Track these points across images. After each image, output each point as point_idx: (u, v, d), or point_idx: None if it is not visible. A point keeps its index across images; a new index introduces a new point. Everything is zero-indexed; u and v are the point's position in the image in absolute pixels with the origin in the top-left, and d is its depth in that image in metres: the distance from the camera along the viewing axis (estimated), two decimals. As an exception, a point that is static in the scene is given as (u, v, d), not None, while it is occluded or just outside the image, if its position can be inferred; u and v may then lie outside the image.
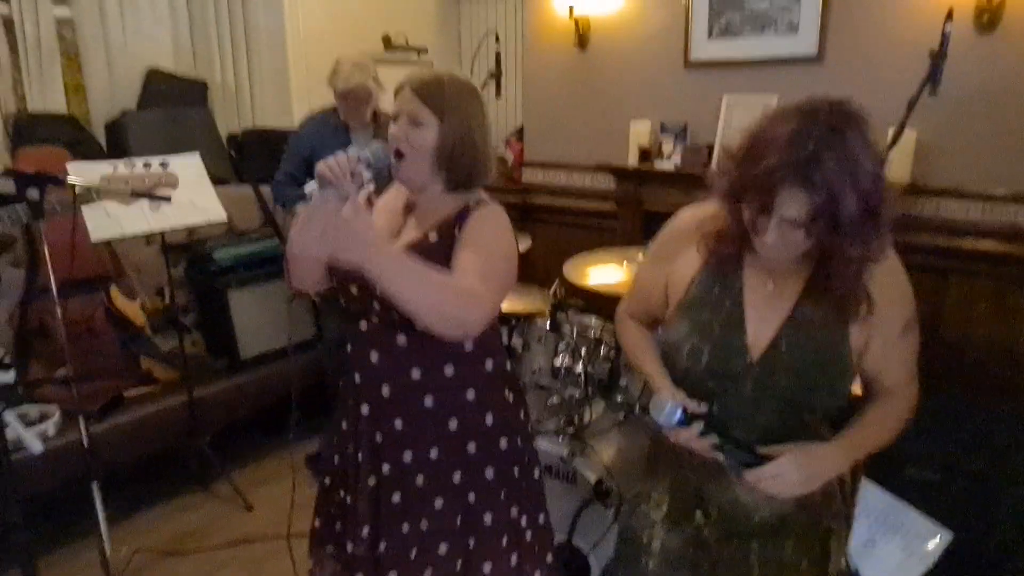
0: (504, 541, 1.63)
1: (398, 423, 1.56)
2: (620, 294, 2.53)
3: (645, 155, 3.67)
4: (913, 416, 1.36)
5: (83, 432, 1.93)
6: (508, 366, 1.67)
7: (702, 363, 1.29)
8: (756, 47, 3.33)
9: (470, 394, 1.57)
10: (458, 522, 1.59)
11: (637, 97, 3.74)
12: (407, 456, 1.57)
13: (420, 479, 1.57)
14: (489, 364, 1.59)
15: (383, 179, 1.58)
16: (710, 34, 3.46)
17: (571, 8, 3.77)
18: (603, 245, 3.04)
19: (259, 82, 4.22)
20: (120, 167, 2.18)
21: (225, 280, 3.30)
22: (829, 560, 1.38)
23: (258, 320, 3.36)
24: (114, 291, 3.10)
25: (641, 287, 1.49)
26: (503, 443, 1.61)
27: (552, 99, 4.14)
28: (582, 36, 3.88)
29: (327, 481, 1.75)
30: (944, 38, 1.77)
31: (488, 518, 1.60)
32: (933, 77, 1.82)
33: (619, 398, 2.43)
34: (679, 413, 1.25)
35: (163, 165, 2.09)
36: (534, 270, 3.85)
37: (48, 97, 3.45)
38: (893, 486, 2.45)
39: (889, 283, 1.24)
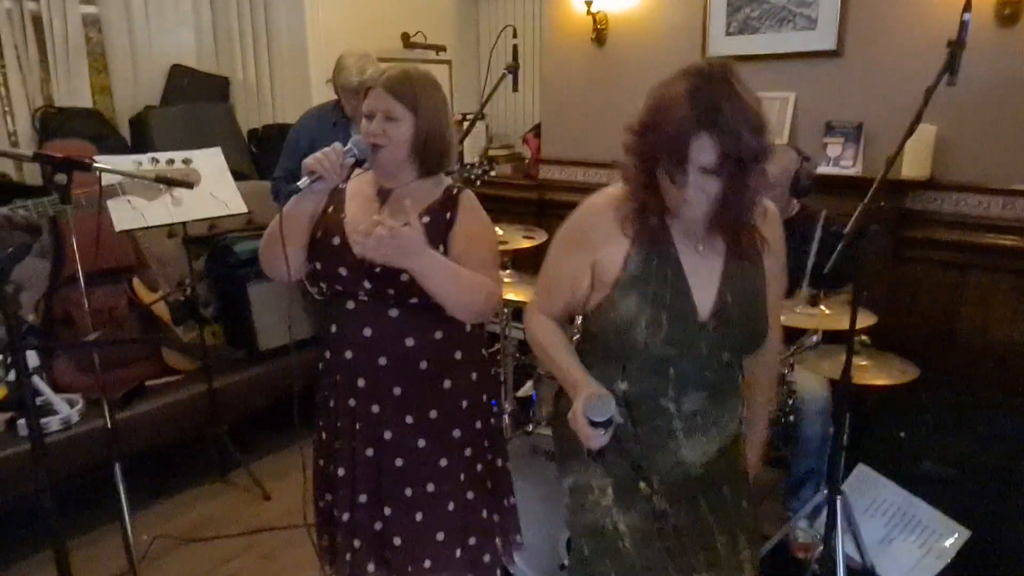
0: (489, 484, 1.81)
1: (396, 390, 1.66)
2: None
3: (662, 151, 3.67)
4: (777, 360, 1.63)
5: (106, 414, 1.97)
6: (479, 328, 1.81)
7: (662, 332, 1.34)
8: (774, 42, 3.33)
9: (458, 354, 1.70)
10: (461, 477, 1.72)
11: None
12: (409, 419, 1.67)
13: (422, 442, 1.68)
14: (468, 325, 1.72)
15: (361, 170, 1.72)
16: (728, 30, 3.46)
17: (589, 4, 3.79)
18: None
19: (280, 79, 4.28)
20: (145, 163, 2.24)
21: (244, 273, 3.34)
22: (751, 498, 1.55)
23: (276, 313, 3.40)
24: (136, 282, 3.16)
25: (560, 280, 1.46)
26: (484, 398, 1.78)
27: (569, 95, 4.15)
28: (600, 32, 3.89)
29: (321, 462, 1.82)
30: (963, 26, 1.76)
31: (479, 467, 1.77)
32: (951, 66, 1.81)
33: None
34: (610, 415, 1.29)
35: (186, 162, 2.14)
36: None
37: (75, 93, 3.52)
38: (910, 482, 2.44)
39: (776, 222, 1.44)
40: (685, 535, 1.45)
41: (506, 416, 2.85)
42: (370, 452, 1.68)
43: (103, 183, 2.21)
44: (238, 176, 3.31)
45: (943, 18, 2.80)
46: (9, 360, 1.68)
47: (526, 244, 3.00)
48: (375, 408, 1.67)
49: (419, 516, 1.69)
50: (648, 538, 1.45)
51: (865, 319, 2.22)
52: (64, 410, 2.74)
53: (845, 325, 1.99)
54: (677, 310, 1.34)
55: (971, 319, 2.98)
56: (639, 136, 1.27)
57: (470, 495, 1.75)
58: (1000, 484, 2.41)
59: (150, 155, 2.64)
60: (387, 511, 1.68)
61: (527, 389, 3.07)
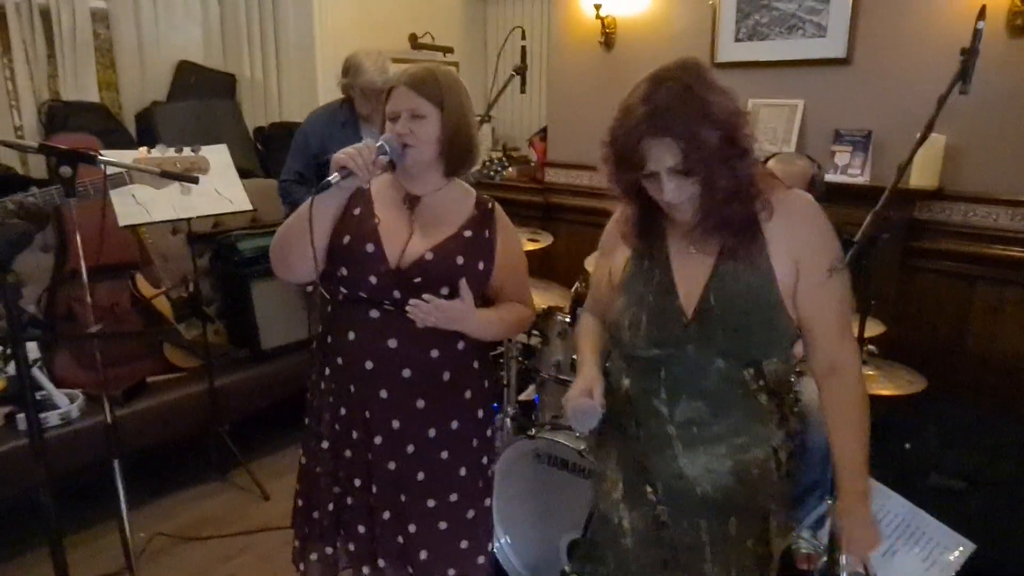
0: (489, 502, 1.81)
1: (420, 403, 1.62)
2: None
3: (669, 156, 3.65)
4: (865, 387, 1.38)
5: (106, 410, 1.95)
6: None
7: (641, 331, 1.35)
8: (784, 49, 3.32)
9: (476, 364, 1.71)
10: (480, 485, 1.73)
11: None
12: (432, 432, 1.64)
13: (445, 454, 1.66)
14: (500, 339, 1.84)
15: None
16: (737, 36, 3.45)
17: (598, 7, 3.78)
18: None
19: (287, 77, 4.27)
20: (154, 151, 2.22)
21: (249, 271, 3.33)
22: (769, 543, 1.42)
23: (280, 312, 3.39)
24: (139, 278, 3.15)
25: (595, 281, 1.58)
26: (495, 405, 1.87)
27: (576, 99, 4.14)
28: (608, 36, 3.88)
29: (318, 469, 1.75)
30: (976, 34, 1.75)
31: (489, 473, 1.80)
32: (964, 74, 1.79)
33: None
34: (595, 422, 1.38)
35: (194, 151, 2.12)
36: (555, 268, 3.85)
37: (81, 88, 3.51)
38: (916, 494, 2.41)
39: (804, 222, 1.32)
40: (680, 553, 1.43)
41: (508, 420, 2.84)
42: (391, 465, 1.64)
43: (110, 172, 2.20)
44: (244, 174, 3.31)
45: (953, 27, 2.79)
46: (9, 351, 1.66)
47: (531, 247, 2.99)
48: (396, 423, 1.62)
49: (443, 525, 1.68)
50: (647, 542, 1.45)
51: (873, 328, 2.21)
52: (63, 404, 2.73)
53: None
54: (659, 310, 1.34)
55: (979, 330, 2.96)
56: (609, 145, 1.29)
57: (487, 502, 1.78)
58: (1007, 497, 2.39)
59: (158, 149, 2.64)
60: (412, 528, 1.65)
61: (529, 393, 3.06)
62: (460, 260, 1.59)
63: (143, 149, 2.11)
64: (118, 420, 2.68)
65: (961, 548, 2.31)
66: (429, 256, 1.57)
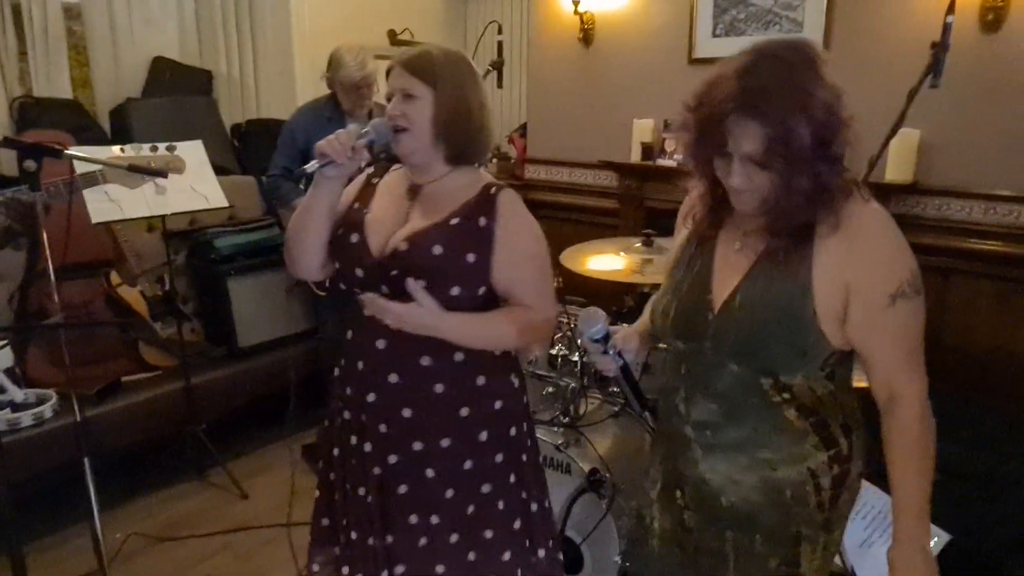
0: (517, 525, 1.60)
1: (407, 412, 1.51)
2: (618, 282, 2.57)
3: (648, 152, 3.67)
4: (928, 423, 1.25)
5: (75, 408, 1.92)
6: (514, 352, 1.63)
7: (670, 319, 1.29)
8: (761, 45, 3.33)
9: (480, 380, 1.53)
10: (470, 511, 1.55)
11: (641, 94, 3.74)
12: (417, 446, 1.52)
13: (430, 471, 1.53)
14: (497, 351, 1.56)
15: (383, 160, 1.60)
16: (715, 32, 3.46)
17: (576, 4, 3.78)
18: (604, 239, 3.04)
19: (264, 73, 4.24)
20: (128, 150, 2.19)
21: (225, 268, 3.30)
22: (800, 566, 1.31)
23: (257, 309, 3.36)
24: (114, 276, 3.11)
25: (670, 256, 1.47)
26: (512, 431, 1.58)
27: (556, 95, 4.14)
28: (587, 32, 3.89)
29: (332, 476, 1.68)
30: (946, 28, 1.76)
31: (501, 504, 1.58)
32: (935, 68, 1.81)
33: (615, 389, 2.42)
34: (602, 332, 1.31)
35: (170, 149, 2.09)
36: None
37: (54, 84, 3.46)
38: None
39: (870, 241, 1.17)
40: (703, 558, 1.38)
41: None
42: (377, 471, 1.55)
43: (83, 171, 2.17)
44: (220, 171, 3.27)
45: (927, 22, 2.81)
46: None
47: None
48: (383, 427, 1.53)
49: (423, 542, 1.55)
50: (671, 545, 1.42)
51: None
52: (18, 397, 2.64)
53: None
54: (689, 301, 1.28)
55: (954, 323, 2.99)
56: (691, 111, 1.16)
57: (488, 534, 1.57)
58: (981, 488, 2.41)
59: (133, 144, 2.61)
60: (390, 539, 1.55)
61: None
62: (438, 250, 1.43)
63: (116, 149, 2.09)
64: (92, 419, 2.67)
65: (936, 539, 2.33)
66: (403, 246, 1.44)
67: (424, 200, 1.52)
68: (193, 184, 2.84)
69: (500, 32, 3.00)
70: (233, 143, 4.06)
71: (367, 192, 1.59)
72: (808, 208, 1.14)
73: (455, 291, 1.45)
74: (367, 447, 1.55)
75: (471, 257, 1.44)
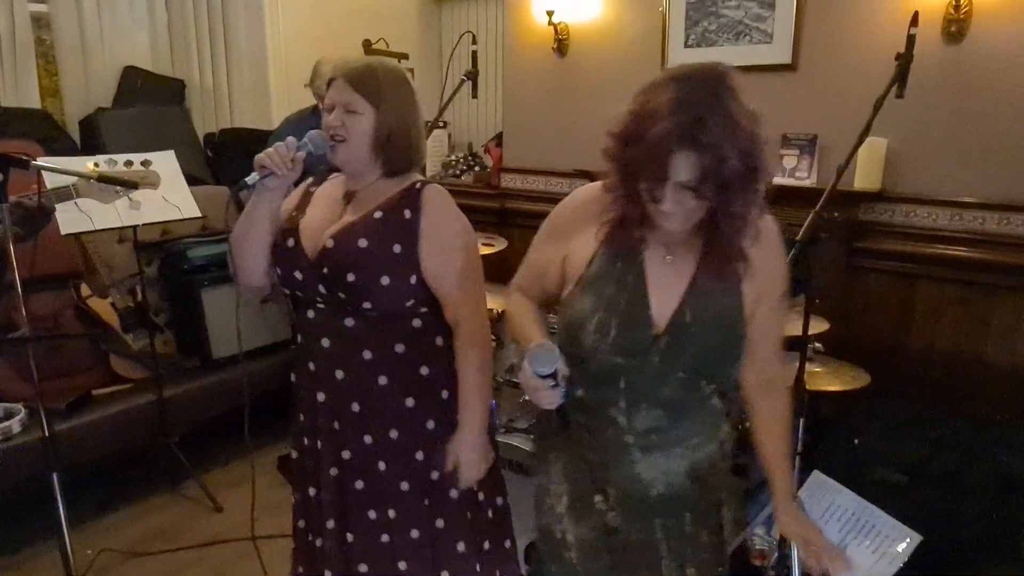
0: (468, 516, 1.64)
1: (355, 406, 1.56)
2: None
3: (622, 161, 3.69)
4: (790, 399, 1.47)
5: (43, 421, 1.89)
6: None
7: (610, 337, 1.29)
8: (732, 55, 3.38)
9: (424, 370, 1.58)
10: (425, 503, 1.59)
11: (615, 104, 3.73)
12: (367, 439, 1.57)
13: (382, 464, 1.57)
14: (439, 340, 1.60)
15: (321, 170, 1.66)
16: (687, 42, 3.51)
17: (550, 14, 3.81)
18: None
19: (238, 83, 4.21)
20: (102, 164, 2.14)
21: (199, 279, 3.27)
22: (723, 531, 1.46)
23: (231, 320, 3.31)
24: (84, 288, 3.06)
25: (537, 264, 1.46)
26: (447, 424, 1.61)
27: (531, 105, 4.17)
28: (562, 43, 3.92)
29: (301, 481, 1.73)
30: (910, 40, 1.81)
31: (453, 494, 1.61)
32: (900, 79, 1.85)
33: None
34: (552, 369, 1.25)
35: (145, 164, 2.05)
36: (510, 273, 3.86)
37: (22, 93, 3.42)
38: (864, 488, 2.46)
39: (773, 249, 1.32)
40: (633, 553, 1.41)
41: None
42: (334, 472, 1.59)
43: (55, 185, 2.12)
44: (193, 181, 3.25)
45: (891, 34, 2.88)
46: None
47: (486, 251, 2.99)
48: (336, 425, 1.58)
49: (385, 538, 1.59)
50: (594, 552, 1.43)
51: (817, 326, 2.26)
52: None
53: (798, 331, 2.02)
54: (629, 317, 1.29)
55: (921, 328, 3.05)
56: (621, 144, 1.20)
57: (440, 523, 1.62)
58: (950, 489, 2.46)
59: (107, 156, 2.57)
60: (350, 537, 1.59)
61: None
62: (363, 243, 1.49)
63: (90, 163, 2.06)
64: (61, 434, 2.62)
65: (908, 539, 2.36)
66: (330, 243, 1.51)
67: (356, 203, 1.58)
68: (165, 194, 2.81)
69: (475, 42, 3.02)
70: (206, 153, 4.02)
71: (304, 200, 1.65)
72: (744, 230, 1.22)
73: (385, 280, 1.50)
74: (319, 444, 1.60)
75: (397, 248, 1.50)
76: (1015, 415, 2.78)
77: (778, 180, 3.04)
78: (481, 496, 1.68)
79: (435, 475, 1.59)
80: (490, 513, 1.71)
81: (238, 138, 4.06)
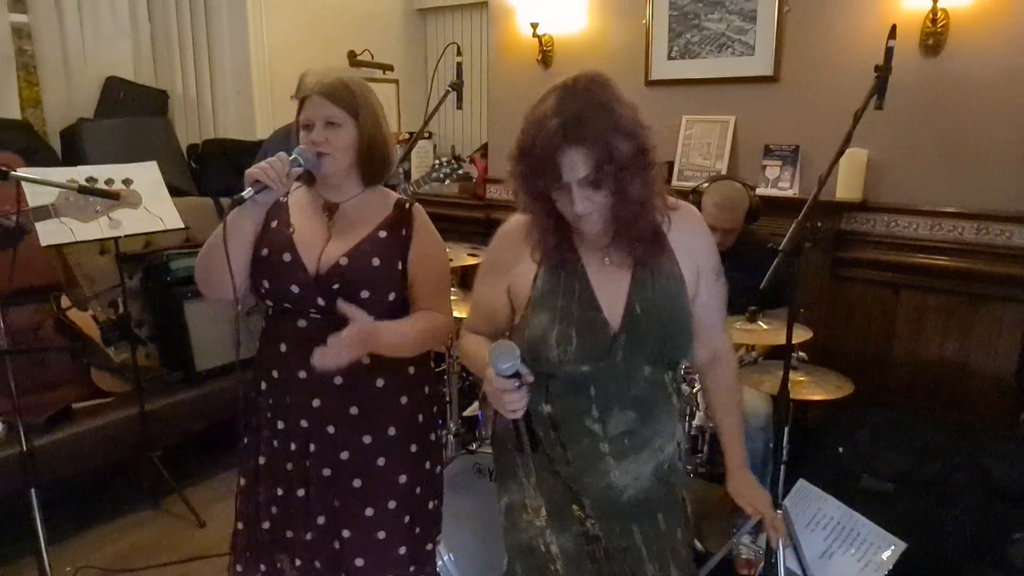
0: (418, 492, 1.76)
1: (353, 410, 1.62)
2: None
3: (607, 171, 3.72)
4: (736, 368, 1.56)
5: (22, 436, 1.86)
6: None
7: (573, 344, 1.31)
8: (714, 67, 3.41)
9: (411, 369, 1.69)
10: (418, 491, 1.72)
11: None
12: (367, 439, 1.63)
13: (382, 460, 1.65)
14: (409, 353, 1.68)
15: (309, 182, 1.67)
16: (670, 54, 3.54)
17: (535, 26, 3.83)
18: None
19: (222, 94, 4.19)
20: (81, 180, 2.11)
21: (182, 291, 3.24)
22: (690, 527, 1.52)
23: (214, 332, 3.30)
24: (65, 301, 3.02)
25: (483, 303, 1.49)
26: (435, 409, 1.79)
27: (516, 116, 4.09)
28: (546, 54, 3.94)
29: (242, 482, 1.76)
30: (888, 52, 1.84)
31: (438, 471, 1.80)
32: (878, 91, 1.88)
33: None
34: (515, 368, 1.25)
35: (126, 182, 2.01)
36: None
37: (2, 104, 3.38)
38: (849, 496, 2.48)
39: (695, 226, 1.41)
40: (615, 560, 1.42)
41: (451, 436, 2.82)
42: (327, 472, 1.64)
43: (35, 204, 2.10)
44: (176, 192, 3.22)
45: (870, 46, 2.91)
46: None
47: (471, 261, 2.99)
48: (331, 428, 1.63)
49: (382, 535, 1.66)
50: (578, 561, 1.43)
51: (801, 335, 2.27)
52: None
53: (782, 340, 2.02)
54: (586, 323, 1.32)
55: (904, 336, 3.07)
56: (518, 160, 1.27)
57: (431, 505, 1.78)
58: (934, 497, 2.47)
59: (87, 173, 2.54)
60: (346, 533, 1.64)
61: (473, 409, 3.04)
62: (376, 262, 1.58)
63: (70, 175, 2.04)
64: (41, 448, 2.58)
65: (893, 547, 2.38)
66: (344, 261, 1.56)
67: (343, 217, 1.63)
68: (148, 206, 2.80)
69: (459, 53, 3.03)
70: (189, 164, 3.99)
71: (279, 211, 1.66)
72: (646, 211, 1.29)
73: (392, 296, 1.62)
74: (312, 447, 1.63)
75: (400, 264, 1.61)
76: (997, 423, 2.81)
77: (761, 190, 3.07)
78: (437, 469, 1.82)
79: (427, 464, 1.74)
80: (437, 482, 1.84)
81: (222, 149, 4.03)
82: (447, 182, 2.75)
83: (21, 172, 1.61)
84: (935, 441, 2.60)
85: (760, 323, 2.38)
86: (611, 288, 1.34)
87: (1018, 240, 2.81)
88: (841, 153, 1.92)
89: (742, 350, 2.62)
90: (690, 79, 3.47)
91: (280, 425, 1.67)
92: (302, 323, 1.60)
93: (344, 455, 1.63)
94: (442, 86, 3.18)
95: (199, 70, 4.09)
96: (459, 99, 2.97)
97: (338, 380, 1.59)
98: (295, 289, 1.57)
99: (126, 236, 2.79)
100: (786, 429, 2.13)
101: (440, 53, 3.97)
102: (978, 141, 2.84)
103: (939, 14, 2.78)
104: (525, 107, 1.32)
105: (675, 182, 3.44)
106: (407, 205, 1.66)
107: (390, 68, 4.95)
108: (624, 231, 1.30)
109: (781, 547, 2.16)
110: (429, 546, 1.80)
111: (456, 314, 2.69)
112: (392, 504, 1.67)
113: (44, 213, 1.90)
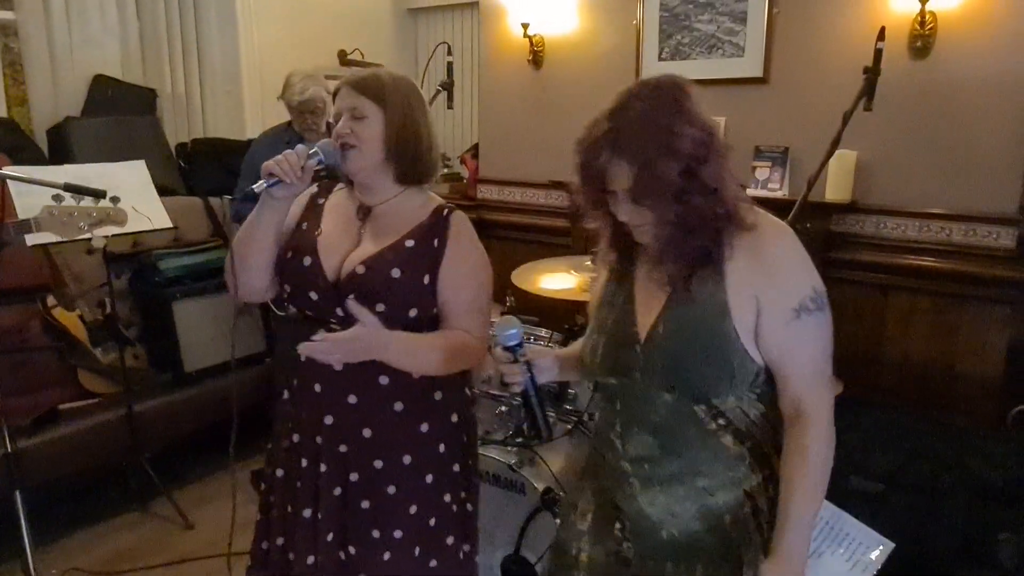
0: (458, 528, 1.65)
1: (366, 432, 1.52)
2: (570, 301, 2.58)
3: (598, 172, 3.72)
4: (830, 444, 1.26)
5: (7, 438, 1.84)
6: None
7: (598, 356, 1.31)
8: (704, 68, 3.41)
9: (437, 395, 1.56)
10: (432, 522, 1.58)
11: (590, 116, 3.77)
12: (378, 464, 1.53)
13: (392, 488, 1.54)
14: (429, 372, 1.55)
15: (323, 178, 1.60)
16: (660, 55, 3.54)
17: (525, 27, 3.83)
18: (555, 259, 3.06)
19: (211, 93, 4.17)
20: (68, 199, 2.06)
21: (171, 291, 3.22)
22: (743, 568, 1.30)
23: (204, 333, 3.28)
24: (51, 301, 2.99)
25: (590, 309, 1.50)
26: (465, 438, 1.64)
27: (507, 117, 4.17)
28: (537, 55, 3.93)
29: (271, 498, 1.68)
30: (877, 54, 1.84)
31: (455, 508, 1.62)
32: (867, 92, 1.89)
33: (568, 407, 2.43)
34: (515, 339, 1.31)
35: (114, 200, 1.95)
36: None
37: (-12, 103, 3.35)
38: (838, 497, 2.48)
39: (770, 258, 1.22)
40: None
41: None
42: (337, 491, 1.55)
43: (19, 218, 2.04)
44: (165, 191, 3.20)
45: (859, 48, 2.92)
46: None
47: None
48: (343, 448, 1.53)
49: (387, 556, 1.56)
50: None
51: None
52: None
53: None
54: (615, 335, 1.30)
55: (893, 337, 3.08)
56: (576, 155, 1.22)
57: (450, 540, 1.61)
58: (923, 498, 2.48)
59: (73, 174, 2.50)
60: (352, 550, 1.55)
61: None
62: (396, 273, 1.45)
63: (55, 195, 2.02)
64: (26, 450, 2.56)
65: (881, 547, 2.38)
66: (361, 269, 1.46)
67: (375, 221, 1.53)
68: (136, 205, 2.76)
69: (450, 53, 3.03)
70: (178, 163, 3.97)
71: (313, 213, 1.59)
72: (693, 237, 1.19)
73: (413, 313, 1.48)
74: (323, 467, 1.54)
75: (427, 279, 1.47)
76: (985, 423, 2.83)
77: (751, 191, 3.08)
78: (468, 505, 1.68)
79: (447, 497, 1.60)
80: (468, 518, 1.71)
81: (211, 148, 4.01)
82: (431, 192, 2.74)
83: (7, 171, 1.59)
84: (924, 442, 2.61)
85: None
86: (649, 303, 1.29)
87: (1005, 241, 2.83)
88: (830, 154, 1.93)
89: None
90: (681, 80, 3.48)
91: (295, 438, 1.60)
92: (322, 334, 1.46)
93: (354, 476, 1.54)
94: (433, 86, 3.18)
95: (188, 68, 4.06)
96: (450, 99, 2.97)
97: (352, 399, 1.50)
98: (313, 296, 1.49)
99: (114, 236, 2.76)
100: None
101: (431, 53, 3.97)
102: (966, 143, 2.85)
103: (927, 17, 2.79)
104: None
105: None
106: (445, 212, 1.52)
107: (381, 67, 4.93)
108: (664, 250, 1.22)
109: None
110: None
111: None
112: (398, 534, 1.55)
113: (25, 227, 1.87)
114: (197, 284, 3.30)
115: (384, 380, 1.49)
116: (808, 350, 1.25)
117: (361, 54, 4.78)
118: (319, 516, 1.55)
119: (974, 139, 2.83)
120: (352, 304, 1.38)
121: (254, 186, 1.43)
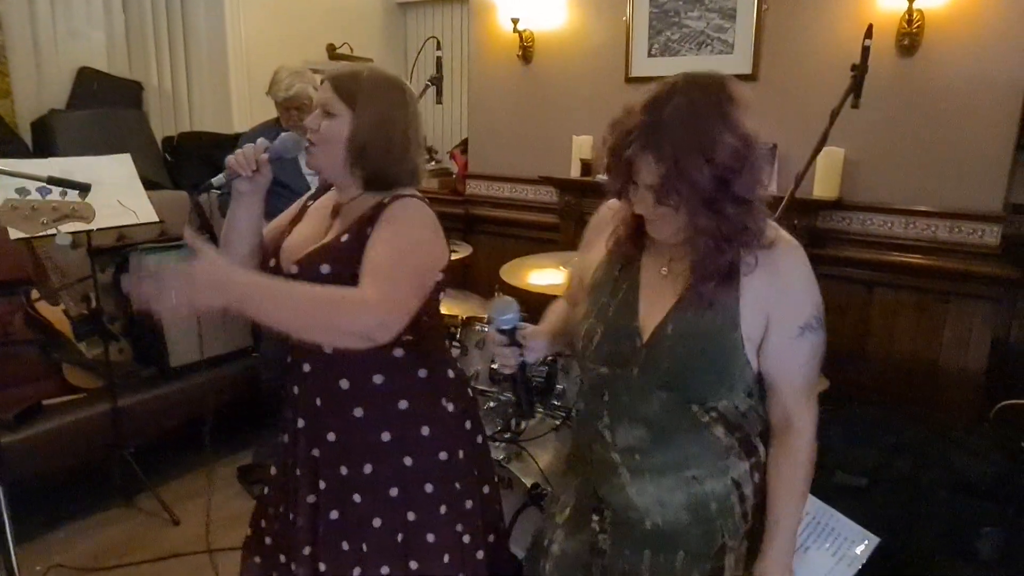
0: (446, 559, 1.53)
1: (331, 436, 1.50)
2: (559, 296, 2.58)
3: (587, 168, 3.72)
4: (813, 452, 1.32)
5: (-10, 434, 1.82)
6: (451, 374, 1.59)
7: (594, 344, 1.28)
8: (694, 65, 3.37)
9: (403, 404, 1.49)
10: (399, 539, 1.51)
11: (580, 111, 3.79)
12: (343, 471, 1.50)
13: (357, 496, 1.50)
14: (423, 372, 1.51)
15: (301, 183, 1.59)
16: (650, 52, 3.54)
17: (515, 22, 3.82)
18: (544, 254, 3.06)
19: (198, 86, 4.14)
20: (33, 192, 2.02)
21: (156, 286, 3.19)
22: (724, 557, 1.33)
23: (190, 328, 3.26)
24: (35, 295, 2.97)
25: (573, 275, 1.51)
26: (442, 456, 1.52)
27: (496, 112, 4.17)
28: (526, 50, 3.93)
29: (266, 491, 1.69)
30: (864, 52, 1.85)
31: (431, 537, 1.52)
32: (855, 90, 1.90)
33: (556, 402, 2.43)
34: (513, 321, 1.29)
35: (82, 194, 1.90)
36: (475, 279, 3.85)
37: (-30, 94, 3.31)
38: (824, 492, 2.50)
39: (785, 277, 1.22)
40: None
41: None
42: (311, 499, 1.53)
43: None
44: (150, 185, 3.17)
45: (847, 46, 2.93)
46: None
47: (451, 257, 2.98)
48: (315, 452, 1.52)
49: (357, 572, 1.50)
50: (571, 569, 1.40)
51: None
52: None
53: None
54: (616, 326, 1.27)
55: (878, 334, 3.11)
56: (608, 135, 1.18)
57: (413, 565, 1.50)
58: (907, 492, 2.50)
59: (57, 167, 2.47)
60: (322, 567, 1.51)
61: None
62: (325, 269, 1.39)
63: (20, 188, 1.99)
64: (9, 446, 2.54)
65: (866, 542, 2.40)
66: (294, 269, 1.42)
67: (341, 219, 1.50)
68: (121, 198, 2.75)
69: (439, 48, 3.02)
70: (164, 157, 3.94)
71: (298, 216, 1.59)
72: (722, 248, 1.16)
73: None
74: (298, 471, 1.55)
75: (356, 270, 1.36)
76: (968, 419, 2.86)
77: (739, 188, 3.08)
78: (466, 538, 1.56)
79: (411, 515, 1.50)
80: (480, 556, 1.60)
81: (197, 142, 3.98)
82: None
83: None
84: (907, 437, 2.63)
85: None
86: (656, 299, 1.26)
87: (989, 239, 2.85)
88: (818, 151, 1.94)
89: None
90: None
91: (285, 438, 1.60)
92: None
93: (322, 484, 1.52)
94: (422, 80, 3.17)
95: (175, 62, 4.03)
96: (439, 94, 2.96)
97: (318, 402, 1.48)
98: None
99: (99, 229, 2.74)
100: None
101: (420, 47, 3.96)
102: (952, 141, 2.87)
103: (915, 15, 2.81)
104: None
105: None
106: (387, 200, 1.43)
107: (369, 61, 4.91)
108: (699, 267, 1.19)
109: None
110: None
111: (444, 312, 2.67)
112: (364, 547, 1.49)
113: (-7, 216, 1.82)
114: (183, 278, 3.27)
115: (344, 384, 1.46)
116: (803, 366, 1.27)
117: (350, 48, 4.77)
118: (297, 523, 1.55)
119: (960, 137, 2.85)
120: (188, 234, 1.24)
121: (213, 179, 1.45)
